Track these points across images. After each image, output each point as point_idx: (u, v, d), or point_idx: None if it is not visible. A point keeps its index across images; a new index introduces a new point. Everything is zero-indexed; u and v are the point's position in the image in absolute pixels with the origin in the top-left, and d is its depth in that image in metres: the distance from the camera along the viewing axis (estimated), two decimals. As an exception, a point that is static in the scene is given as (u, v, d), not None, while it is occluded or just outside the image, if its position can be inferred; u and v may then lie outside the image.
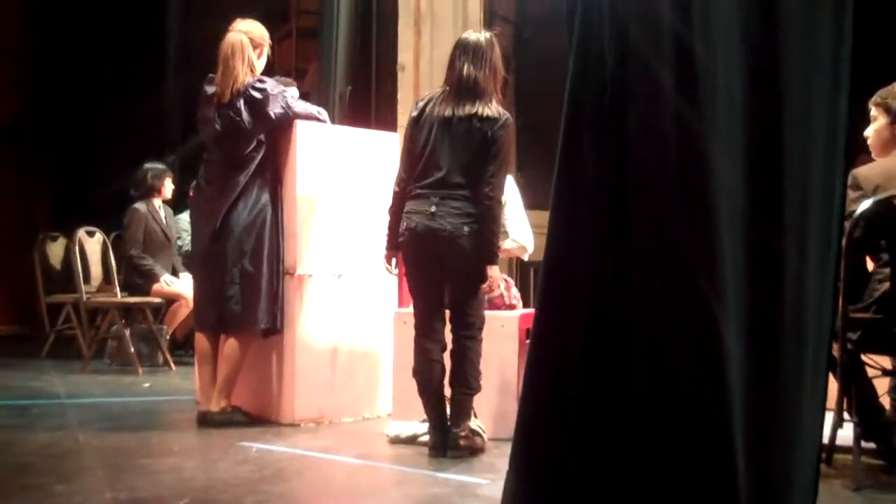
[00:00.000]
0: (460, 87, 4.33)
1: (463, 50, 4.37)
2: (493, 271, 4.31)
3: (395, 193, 4.44)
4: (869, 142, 4.21)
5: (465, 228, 4.22)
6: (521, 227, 5.02)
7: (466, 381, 4.28)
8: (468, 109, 4.28)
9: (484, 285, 4.31)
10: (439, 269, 4.32)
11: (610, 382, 2.72)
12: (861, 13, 2.84)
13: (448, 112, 4.31)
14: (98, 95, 10.34)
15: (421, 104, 4.44)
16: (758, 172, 2.73)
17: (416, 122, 4.40)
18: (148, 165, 7.75)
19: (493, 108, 4.29)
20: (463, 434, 4.25)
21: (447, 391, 4.35)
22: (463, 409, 4.28)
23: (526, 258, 5.25)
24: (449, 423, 4.30)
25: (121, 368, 7.22)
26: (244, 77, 5.00)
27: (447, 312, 4.40)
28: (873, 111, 4.16)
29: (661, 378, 2.66)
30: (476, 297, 4.34)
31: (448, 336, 4.40)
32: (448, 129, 4.30)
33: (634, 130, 2.71)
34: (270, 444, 4.52)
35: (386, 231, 4.51)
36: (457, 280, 4.32)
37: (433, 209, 4.25)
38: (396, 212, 4.41)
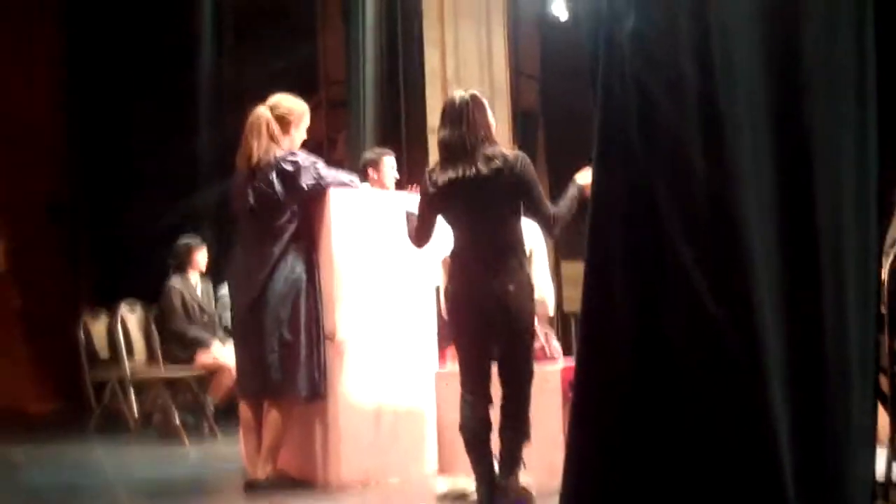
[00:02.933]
0: (448, 152, 4.35)
1: (443, 115, 4.42)
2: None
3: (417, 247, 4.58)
4: None
5: (511, 286, 4.23)
6: (544, 282, 5.04)
7: (517, 429, 4.27)
8: (466, 172, 4.27)
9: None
10: (487, 328, 4.32)
11: (653, 435, 2.72)
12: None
13: (448, 177, 4.31)
14: (133, 167, 10.47)
15: (431, 176, 4.42)
16: (789, 219, 2.74)
17: (429, 196, 4.42)
18: (183, 240, 7.85)
19: (489, 161, 4.25)
20: (513, 480, 4.23)
21: (494, 447, 4.34)
22: (514, 457, 4.27)
23: (551, 312, 5.25)
24: (499, 474, 4.28)
25: (168, 441, 7.26)
26: (263, 150, 5.09)
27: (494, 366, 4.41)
28: None
29: (705, 431, 2.66)
30: (526, 352, 4.35)
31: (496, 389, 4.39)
32: (459, 193, 4.30)
33: (663, 170, 2.73)
34: (319, 509, 4.53)
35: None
36: (504, 334, 4.30)
37: (477, 271, 4.27)
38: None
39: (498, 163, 4.27)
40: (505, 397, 4.32)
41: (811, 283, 2.74)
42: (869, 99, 2.82)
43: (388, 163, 6.10)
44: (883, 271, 3.49)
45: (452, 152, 4.33)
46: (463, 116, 4.35)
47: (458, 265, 4.37)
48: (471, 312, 4.32)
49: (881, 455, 3.52)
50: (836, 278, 2.75)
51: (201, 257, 7.79)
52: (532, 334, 4.35)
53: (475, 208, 4.30)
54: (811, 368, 2.76)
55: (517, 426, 4.27)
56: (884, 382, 3.74)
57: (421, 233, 4.52)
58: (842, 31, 2.83)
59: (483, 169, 4.25)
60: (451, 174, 4.31)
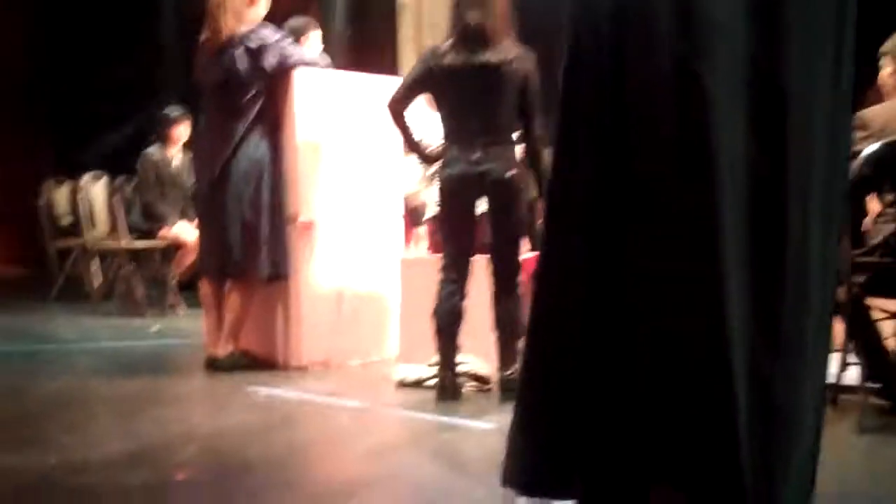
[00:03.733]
0: (465, 36, 4.27)
1: None
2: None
3: (391, 108, 4.47)
4: (882, 91, 4.21)
5: (509, 173, 4.24)
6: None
7: (511, 327, 4.29)
8: (480, 58, 4.23)
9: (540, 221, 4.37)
10: (473, 216, 4.36)
11: (612, 328, 2.74)
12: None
13: (459, 61, 4.26)
14: (101, 46, 10.26)
15: (437, 53, 4.35)
16: (760, 117, 2.72)
17: (426, 73, 4.36)
18: (165, 111, 7.71)
19: (504, 53, 4.23)
20: (512, 376, 4.25)
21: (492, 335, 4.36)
22: (511, 352, 4.30)
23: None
24: (498, 366, 4.33)
25: (130, 312, 7.27)
26: (229, 27, 4.97)
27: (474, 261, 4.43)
28: (882, 59, 4.15)
29: (663, 322, 2.68)
30: (518, 242, 4.37)
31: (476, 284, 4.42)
32: (467, 79, 4.26)
33: (634, 81, 2.69)
34: (278, 389, 4.55)
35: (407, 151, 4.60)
36: (501, 224, 4.33)
37: (477, 155, 4.24)
38: (404, 125, 4.47)
39: (510, 56, 4.23)
40: (497, 287, 4.34)
41: (776, 192, 2.73)
42: (846, 59, 2.77)
43: (315, 36, 5.79)
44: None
45: (472, 36, 4.26)
46: (488, 2, 4.27)
47: (457, 149, 4.31)
48: (465, 197, 4.32)
49: (834, 362, 3.60)
50: (801, 191, 2.74)
51: (182, 130, 7.64)
52: (524, 224, 4.36)
53: (483, 94, 4.26)
54: (772, 278, 2.76)
55: (508, 317, 4.30)
56: (840, 292, 3.80)
57: (403, 100, 4.44)
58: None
59: (497, 59, 4.22)
60: (464, 58, 4.26)
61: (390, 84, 5.56)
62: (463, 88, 4.29)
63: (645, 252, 2.71)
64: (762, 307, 2.72)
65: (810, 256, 2.75)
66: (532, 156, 4.32)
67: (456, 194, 4.33)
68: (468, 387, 4.47)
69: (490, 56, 4.23)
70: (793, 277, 2.69)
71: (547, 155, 4.28)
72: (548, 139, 4.30)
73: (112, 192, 7.90)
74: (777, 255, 2.72)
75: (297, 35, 5.61)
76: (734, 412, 2.58)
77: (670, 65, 2.63)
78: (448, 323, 4.34)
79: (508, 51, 4.25)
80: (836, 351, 3.79)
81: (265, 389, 4.53)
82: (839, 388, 4.01)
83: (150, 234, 7.42)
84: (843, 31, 2.73)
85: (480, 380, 4.50)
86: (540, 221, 4.41)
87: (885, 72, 4.14)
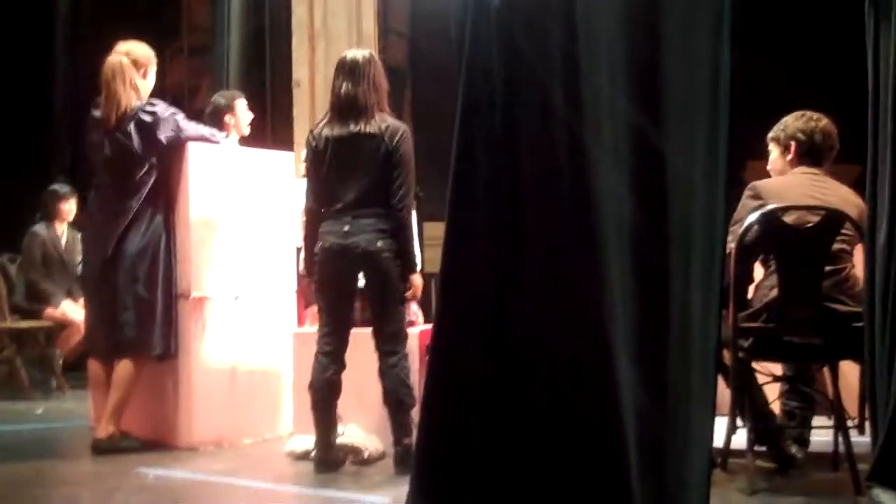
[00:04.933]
0: (341, 107, 4.37)
1: (341, 69, 4.42)
2: (416, 278, 4.40)
3: (307, 216, 4.50)
4: (770, 173, 4.39)
5: (379, 243, 4.27)
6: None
7: (401, 398, 4.29)
8: (352, 128, 4.32)
9: (408, 293, 4.38)
10: (351, 288, 4.39)
11: (508, 394, 2.75)
12: (748, 38, 2.93)
13: (335, 133, 4.35)
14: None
15: (315, 132, 4.45)
16: (642, 183, 2.80)
17: (314, 153, 4.42)
18: (53, 187, 7.54)
19: (376, 124, 4.31)
20: (405, 450, 4.21)
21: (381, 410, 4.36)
22: (403, 425, 4.28)
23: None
24: (392, 440, 4.30)
25: (13, 395, 7.03)
26: (128, 100, 4.94)
27: (355, 333, 4.43)
28: (770, 146, 4.35)
29: (556, 388, 2.71)
30: (396, 311, 4.37)
31: (362, 356, 4.40)
32: (342, 150, 4.33)
33: (525, 144, 2.75)
34: (169, 470, 4.45)
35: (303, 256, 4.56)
36: (375, 295, 4.36)
37: (346, 228, 4.28)
38: (309, 235, 4.46)
39: (383, 127, 4.30)
40: (381, 360, 4.33)
41: (660, 251, 2.81)
42: (722, 71, 2.88)
43: (241, 105, 5.76)
44: (728, 246, 3.63)
45: (347, 107, 4.34)
46: (364, 74, 4.37)
47: (332, 221, 4.34)
48: (338, 269, 4.33)
49: (722, 426, 3.68)
50: (684, 252, 2.81)
51: (68, 207, 7.48)
52: (402, 294, 4.36)
53: (357, 165, 4.31)
54: (657, 342, 2.82)
55: (396, 389, 4.28)
56: (726, 355, 3.90)
57: (317, 193, 4.45)
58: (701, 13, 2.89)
59: (372, 129, 4.29)
60: (339, 129, 4.34)
61: (283, 159, 5.59)
62: (335, 159, 4.35)
63: (536, 319, 2.75)
64: (649, 368, 2.77)
65: (692, 317, 2.82)
66: (398, 227, 4.32)
67: (327, 267, 4.35)
68: (350, 460, 4.46)
69: (362, 127, 4.30)
70: (676, 338, 2.75)
71: (413, 226, 4.36)
72: (411, 211, 4.36)
73: (-5, 271, 7.67)
74: (661, 316, 2.79)
75: (225, 107, 5.59)
76: (626, 467, 2.61)
77: (560, 129, 2.70)
78: (323, 397, 4.33)
79: (381, 122, 4.33)
80: (724, 415, 3.87)
81: (155, 471, 4.42)
82: (728, 452, 4.09)
83: (34, 314, 7.21)
84: (718, 102, 2.84)
85: (356, 452, 4.49)
86: (410, 294, 4.41)
87: (773, 156, 4.35)
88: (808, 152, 4.23)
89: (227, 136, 5.53)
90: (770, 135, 4.37)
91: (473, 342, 2.80)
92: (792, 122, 4.29)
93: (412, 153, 4.38)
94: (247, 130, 5.73)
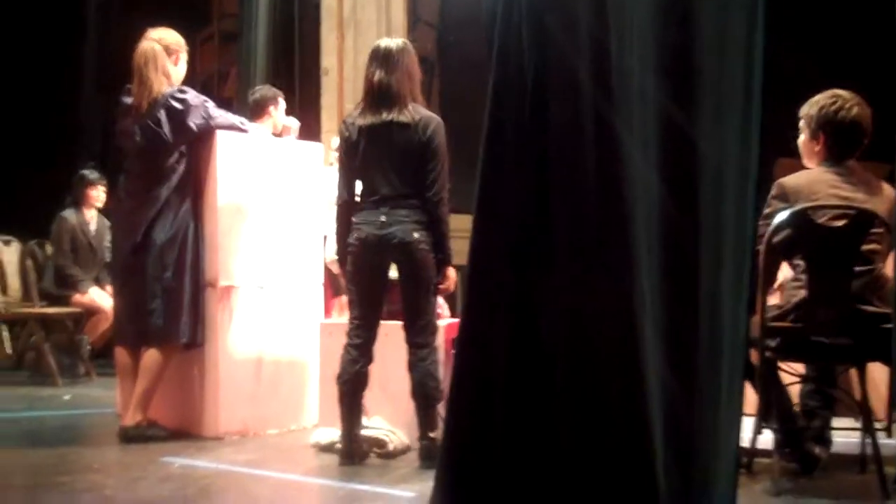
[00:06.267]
0: (375, 96, 4.35)
1: (374, 58, 4.39)
2: (451, 271, 4.39)
3: (339, 208, 4.47)
4: (800, 149, 4.32)
5: (416, 234, 4.25)
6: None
7: (428, 392, 4.28)
8: (385, 116, 4.30)
9: (442, 286, 4.38)
10: (384, 280, 4.37)
11: (534, 387, 2.75)
12: (781, 22, 2.89)
13: (369, 122, 4.33)
14: (13, 100, 10.09)
15: (348, 121, 4.44)
16: (672, 172, 2.77)
17: (346, 143, 4.41)
18: (82, 173, 7.59)
19: (410, 114, 4.30)
20: (430, 444, 4.22)
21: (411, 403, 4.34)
22: (429, 419, 4.28)
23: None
24: (417, 434, 4.31)
25: (41, 380, 7.08)
26: (160, 86, 4.95)
27: (384, 325, 4.42)
28: (801, 122, 4.26)
29: (583, 382, 2.70)
30: (429, 304, 4.36)
31: (389, 349, 4.41)
32: (376, 139, 4.32)
33: (555, 130, 2.74)
34: (194, 459, 4.46)
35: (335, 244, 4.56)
36: (409, 286, 4.33)
37: (383, 219, 4.26)
38: (342, 225, 4.44)
39: (416, 118, 4.29)
40: (410, 353, 4.32)
41: (690, 243, 2.78)
42: (756, 61, 2.85)
43: (283, 105, 6.05)
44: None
45: (381, 96, 4.33)
46: (398, 63, 4.35)
47: (367, 212, 4.33)
48: (372, 260, 4.31)
49: (748, 427, 3.65)
50: (714, 243, 2.79)
51: (97, 193, 7.54)
52: (436, 286, 4.35)
53: (391, 155, 4.30)
54: (685, 338, 2.80)
55: (425, 383, 4.28)
56: (753, 355, 3.87)
57: (349, 183, 4.44)
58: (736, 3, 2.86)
59: (405, 119, 4.27)
60: (373, 118, 4.32)
61: (310, 149, 5.60)
62: (370, 148, 4.34)
63: (564, 310, 2.74)
64: (678, 365, 2.75)
65: (722, 316, 2.79)
66: (434, 219, 4.31)
67: (362, 258, 4.33)
68: (374, 452, 4.47)
69: (395, 116, 4.29)
70: (706, 336, 2.73)
71: (449, 218, 4.35)
72: (449, 203, 4.35)
73: (24, 256, 7.72)
74: (691, 315, 2.76)
75: (271, 98, 5.82)
76: (652, 460, 2.59)
77: (589, 115, 2.68)
78: (350, 389, 4.33)
79: (414, 112, 4.31)
80: (750, 415, 3.84)
81: (180, 460, 4.43)
82: (754, 452, 4.07)
83: (63, 300, 7.26)
84: (751, 93, 2.80)
85: (381, 445, 4.49)
86: (444, 287, 4.40)
87: (803, 137, 4.25)
88: (837, 145, 4.14)
89: (260, 125, 5.75)
90: (802, 110, 4.25)
91: (500, 334, 2.80)
92: (823, 108, 4.16)
93: (445, 144, 4.35)
94: (280, 127, 5.97)
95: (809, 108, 4.20)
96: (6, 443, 4.87)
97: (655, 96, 2.78)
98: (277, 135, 5.95)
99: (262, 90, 6.20)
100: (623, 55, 2.71)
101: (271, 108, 5.95)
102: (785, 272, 4.22)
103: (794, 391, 4.22)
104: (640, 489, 2.63)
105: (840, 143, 4.11)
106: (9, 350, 7.52)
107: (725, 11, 2.84)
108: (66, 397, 6.50)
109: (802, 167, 4.28)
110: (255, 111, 5.97)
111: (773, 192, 4.05)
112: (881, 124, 4.14)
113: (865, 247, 3.90)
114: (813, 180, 4.07)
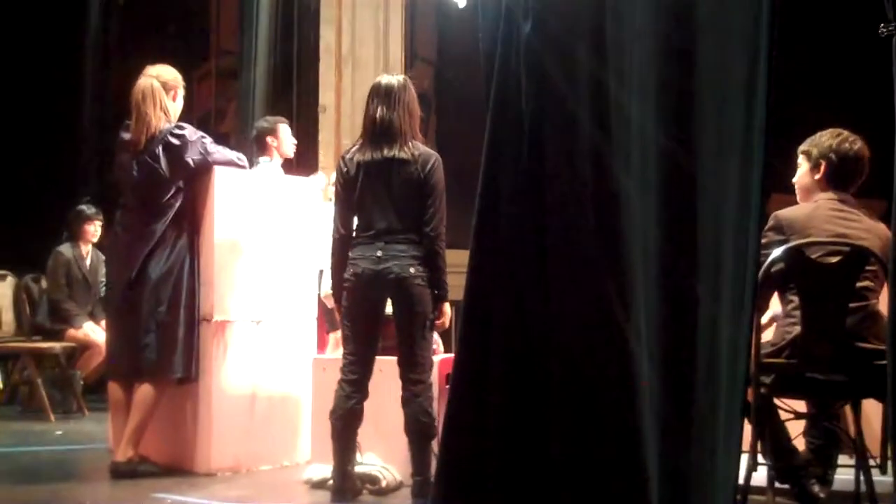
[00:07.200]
0: (375, 131, 4.36)
1: (375, 94, 4.41)
2: (446, 307, 4.39)
3: (335, 242, 4.46)
4: (796, 187, 4.34)
5: (412, 269, 4.25)
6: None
7: (423, 428, 4.26)
8: (385, 153, 4.31)
9: (438, 321, 4.38)
10: (380, 315, 4.36)
11: (530, 422, 2.74)
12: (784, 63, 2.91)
13: (368, 157, 4.34)
14: (9, 136, 10.10)
15: (346, 157, 4.44)
16: (671, 211, 2.78)
17: (344, 178, 4.41)
18: (79, 208, 7.59)
19: (410, 150, 4.31)
20: (424, 481, 4.18)
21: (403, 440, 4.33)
22: (423, 455, 4.26)
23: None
24: (411, 470, 4.29)
25: (33, 415, 7.04)
26: (158, 122, 4.96)
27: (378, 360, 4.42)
28: (799, 158, 4.28)
29: (578, 416, 2.70)
30: (424, 339, 4.34)
31: (383, 384, 4.40)
32: (375, 175, 4.32)
33: (552, 166, 2.75)
34: (185, 496, 4.43)
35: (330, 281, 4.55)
36: (405, 322, 4.32)
37: (379, 254, 4.26)
38: (338, 260, 4.43)
39: (416, 154, 4.30)
40: (404, 389, 4.31)
41: (688, 281, 2.79)
42: (758, 101, 2.86)
43: (285, 130, 6.08)
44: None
45: (381, 132, 4.34)
46: (399, 100, 4.37)
47: (363, 247, 4.32)
48: (369, 295, 4.31)
49: (742, 463, 3.63)
50: (713, 281, 2.80)
51: (93, 228, 7.52)
52: (432, 322, 4.36)
53: (390, 190, 4.31)
54: (683, 373, 2.80)
55: (419, 420, 4.26)
56: (747, 392, 3.85)
57: (345, 218, 4.44)
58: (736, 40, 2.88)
59: (405, 155, 4.28)
60: (372, 154, 4.33)
61: (309, 184, 5.61)
62: (368, 184, 4.34)
63: (560, 347, 2.74)
64: (675, 390, 2.75)
65: (720, 347, 2.79)
66: (431, 254, 4.31)
67: (358, 293, 4.32)
68: (367, 489, 4.45)
69: (395, 152, 4.29)
70: (704, 360, 2.73)
71: (443, 251, 4.35)
72: (446, 239, 4.35)
73: (18, 290, 7.70)
74: (688, 344, 2.76)
75: (268, 130, 5.91)
76: (645, 476, 2.58)
77: (587, 155, 2.69)
78: (344, 425, 4.31)
79: (414, 148, 4.32)
80: (745, 452, 3.82)
81: (172, 496, 4.40)
82: (748, 489, 4.04)
83: (56, 334, 7.24)
84: (752, 129, 2.82)
85: (373, 481, 4.47)
86: (441, 321, 4.40)
87: (802, 171, 4.27)
88: (838, 175, 4.16)
89: (269, 159, 5.93)
90: (802, 147, 4.29)
91: (495, 368, 2.80)
92: (826, 140, 4.20)
93: (443, 181, 4.36)
94: (291, 152, 6.10)
95: (810, 143, 4.24)
96: (1, 478, 4.83)
97: (655, 134, 2.80)
98: (289, 161, 6.08)
99: (259, 124, 6.28)
100: (622, 94, 2.73)
101: (269, 140, 5.98)
102: (774, 309, 4.23)
103: (793, 427, 4.20)
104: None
105: (841, 171, 4.14)
106: (0, 384, 7.47)
107: (725, 49, 2.86)
108: (59, 432, 6.47)
109: (795, 203, 4.31)
110: (259, 147, 6.06)
111: (770, 223, 4.06)
112: (879, 162, 4.17)
113: (860, 283, 3.91)
114: (809, 215, 4.09)
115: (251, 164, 5.77)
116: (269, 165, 5.89)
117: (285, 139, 6.05)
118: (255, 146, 6.08)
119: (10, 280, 7.74)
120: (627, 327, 2.63)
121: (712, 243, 2.77)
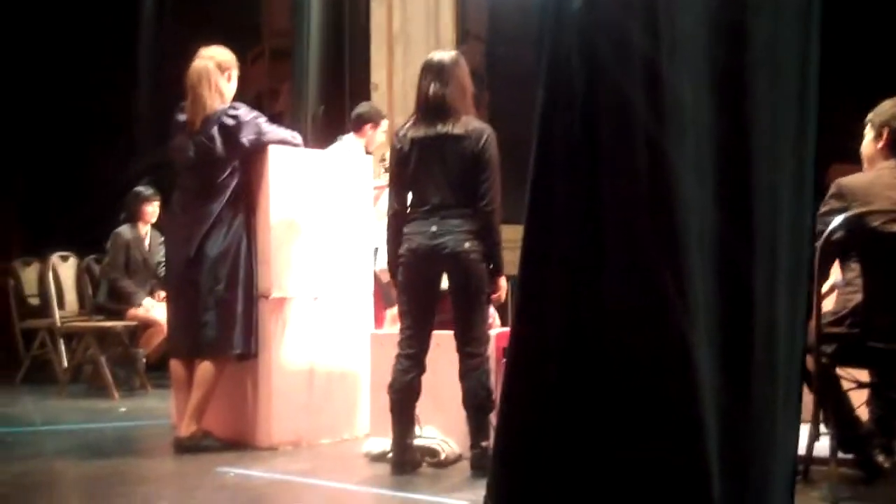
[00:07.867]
0: (428, 108, 4.37)
1: (428, 70, 4.41)
2: (502, 281, 4.41)
3: (390, 218, 4.48)
4: (862, 156, 4.29)
5: (467, 244, 4.26)
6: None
7: (480, 401, 4.29)
8: (439, 129, 4.32)
9: (494, 295, 4.40)
10: (436, 290, 4.38)
11: (587, 394, 2.74)
12: (834, 34, 2.87)
13: (422, 134, 4.35)
14: (72, 120, 10.27)
15: (400, 134, 4.46)
16: (726, 190, 2.76)
17: (399, 154, 4.43)
18: (137, 189, 7.69)
19: (463, 126, 4.31)
20: (482, 453, 4.21)
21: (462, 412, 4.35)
22: (481, 428, 4.28)
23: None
24: (469, 443, 4.32)
25: (97, 393, 7.18)
26: (213, 103, 5.02)
27: (435, 335, 4.44)
28: (866, 127, 4.23)
29: (636, 387, 2.69)
30: (480, 313, 4.36)
31: (440, 358, 4.42)
32: (429, 151, 4.33)
33: (605, 147, 2.74)
34: (248, 469, 4.49)
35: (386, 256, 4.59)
36: (461, 296, 4.34)
37: (434, 229, 4.28)
38: (393, 236, 4.45)
39: (469, 129, 4.30)
40: (461, 363, 4.33)
41: (745, 258, 2.77)
42: (811, 78, 2.83)
43: (382, 128, 6.28)
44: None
45: (435, 108, 4.35)
46: (451, 76, 4.38)
47: (418, 223, 4.35)
48: (424, 270, 4.33)
49: (805, 433, 3.61)
50: (769, 263, 2.77)
51: (151, 209, 7.62)
52: (488, 296, 4.37)
53: (444, 166, 4.32)
54: (740, 345, 2.78)
55: (476, 392, 4.28)
56: (809, 361, 3.82)
57: (401, 195, 4.46)
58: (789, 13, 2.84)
59: (458, 130, 4.29)
60: (426, 130, 4.35)
61: (362, 162, 5.64)
62: (422, 160, 4.35)
63: (615, 322, 2.73)
64: (733, 373, 2.73)
65: (777, 324, 2.77)
66: (486, 229, 4.31)
67: (413, 268, 4.34)
68: (426, 462, 4.48)
69: (448, 128, 4.30)
70: (761, 344, 2.71)
71: (499, 225, 4.36)
72: (501, 213, 4.35)
73: (80, 271, 7.84)
74: (745, 322, 2.75)
75: (375, 116, 6.16)
76: (707, 466, 2.57)
77: (640, 137, 2.67)
78: (402, 399, 4.34)
79: (467, 123, 4.32)
80: (807, 422, 3.80)
81: (235, 470, 4.46)
82: (810, 460, 4.01)
83: (118, 314, 7.36)
84: (806, 107, 2.79)
85: (433, 454, 4.50)
86: (495, 296, 4.41)
87: (867, 139, 4.22)
88: None
89: (357, 139, 6.29)
90: (868, 117, 4.24)
91: (551, 342, 2.80)
92: (889, 108, 4.14)
93: (497, 155, 4.36)
94: (373, 147, 6.39)
95: (875, 113, 4.19)
96: (65, 454, 4.95)
97: (708, 116, 2.77)
98: (369, 153, 6.24)
99: (368, 107, 6.60)
100: (674, 74, 2.71)
101: (368, 127, 6.21)
102: (835, 276, 4.19)
103: (856, 397, 4.16)
104: (695, 495, 2.61)
105: None
106: (65, 363, 7.62)
107: (777, 24, 2.82)
108: (123, 409, 6.59)
109: (857, 171, 4.25)
110: (356, 125, 6.36)
111: (832, 190, 4.02)
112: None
113: (923, 251, 3.86)
114: (870, 182, 4.04)
115: (329, 142, 5.89)
116: (355, 143, 6.07)
117: (377, 138, 6.34)
118: (353, 121, 6.36)
119: (73, 261, 7.90)
120: (684, 300, 2.61)
121: (768, 225, 2.74)
